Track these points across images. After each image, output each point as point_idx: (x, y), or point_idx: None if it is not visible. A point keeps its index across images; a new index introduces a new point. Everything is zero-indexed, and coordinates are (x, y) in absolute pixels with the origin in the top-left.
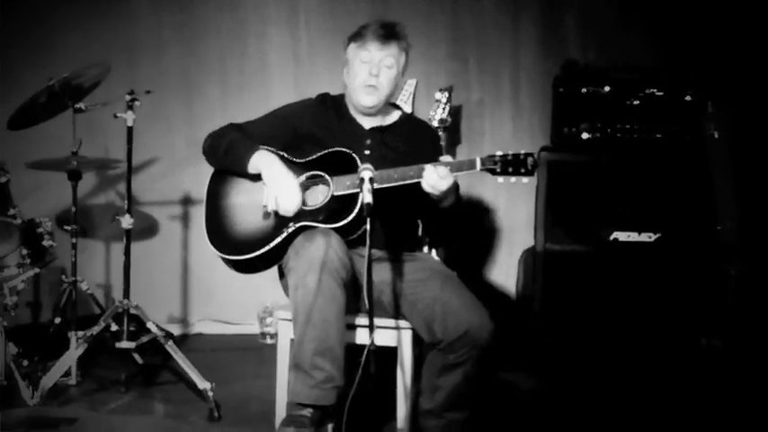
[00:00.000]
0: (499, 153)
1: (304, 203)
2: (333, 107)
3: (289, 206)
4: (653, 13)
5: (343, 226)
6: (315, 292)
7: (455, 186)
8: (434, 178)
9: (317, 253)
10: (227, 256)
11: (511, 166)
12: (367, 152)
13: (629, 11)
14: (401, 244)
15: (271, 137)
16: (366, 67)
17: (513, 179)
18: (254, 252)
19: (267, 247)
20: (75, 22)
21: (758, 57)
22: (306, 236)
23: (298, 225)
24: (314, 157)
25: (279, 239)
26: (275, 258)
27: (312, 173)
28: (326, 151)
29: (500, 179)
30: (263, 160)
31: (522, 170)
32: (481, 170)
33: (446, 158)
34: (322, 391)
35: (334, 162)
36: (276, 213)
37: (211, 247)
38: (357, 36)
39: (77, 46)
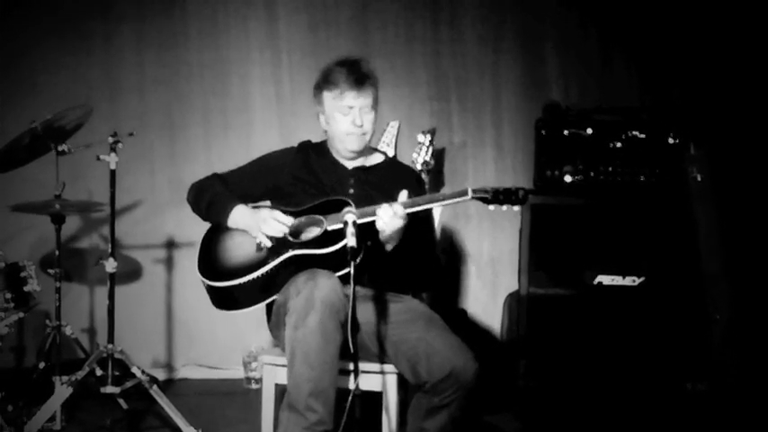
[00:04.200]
0: (490, 185)
1: (298, 238)
2: (315, 151)
3: (274, 229)
4: (634, 53)
5: (333, 253)
6: (315, 332)
7: (400, 230)
8: (388, 215)
9: (320, 293)
10: (213, 283)
11: (502, 195)
12: (351, 191)
13: (610, 52)
14: (388, 282)
15: (254, 185)
16: (348, 117)
17: (504, 207)
18: (242, 278)
19: (256, 273)
20: (58, 61)
21: (740, 98)
22: (308, 275)
23: (290, 254)
24: (307, 206)
25: (269, 266)
26: (261, 292)
27: (306, 216)
28: (318, 201)
29: (491, 207)
30: (241, 215)
31: (513, 198)
32: (473, 198)
33: (403, 194)
34: None
35: (328, 207)
36: (268, 249)
37: (198, 276)
38: (330, 84)
39: (59, 86)
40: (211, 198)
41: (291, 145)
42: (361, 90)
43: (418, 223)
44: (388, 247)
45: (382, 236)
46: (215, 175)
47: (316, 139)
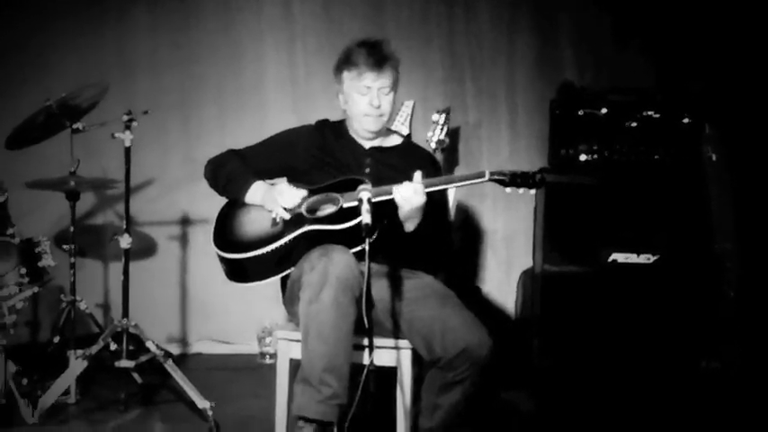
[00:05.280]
0: (508, 170)
1: (313, 214)
2: (332, 130)
3: (290, 199)
4: (648, 33)
5: (348, 230)
6: (329, 307)
7: (422, 207)
8: (409, 192)
9: (335, 269)
10: (228, 255)
11: (519, 178)
12: (367, 170)
13: (624, 32)
14: (402, 259)
15: (270, 162)
16: (366, 98)
17: (520, 190)
18: (257, 250)
19: (271, 247)
20: (72, 41)
21: (755, 78)
22: (322, 251)
23: (306, 229)
24: (324, 185)
25: (284, 240)
26: (275, 265)
27: (322, 194)
28: (335, 180)
29: (508, 189)
30: (258, 191)
31: (531, 182)
32: (489, 180)
33: (418, 175)
34: (328, 407)
35: (344, 186)
36: (284, 221)
37: (213, 247)
38: (349, 65)
39: (73, 65)
40: (229, 174)
41: (308, 123)
42: (381, 71)
43: (433, 204)
44: (408, 226)
45: (402, 212)
46: (231, 152)
47: (332, 119)
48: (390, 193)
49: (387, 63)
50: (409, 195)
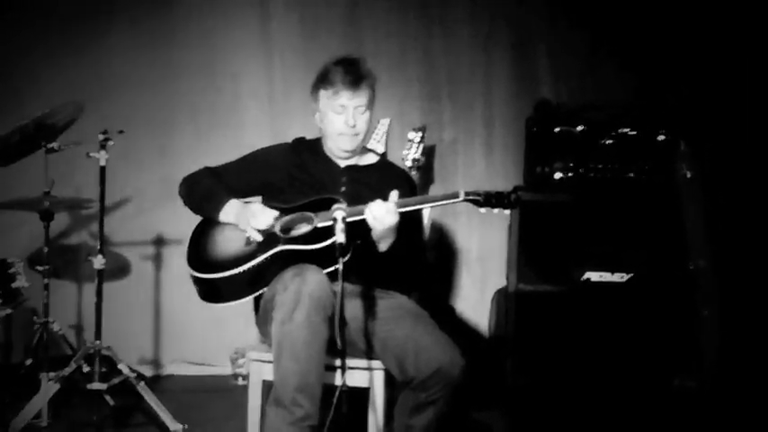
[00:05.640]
0: (483, 189)
1: (287, 234)
2: (308, 149)
3: (262, 221)
4: (625, 51)
5: (321, 250)
6: (302, 327)
7: (395, 227)
8: (381, 211)
9: (308, 288)
10: (201, 275)
11: (494, 198)
12: (342, 189)
13: (600, 50)
14: (376, 279)
15: (246, 181)
16: (341, 117)
17: (495, 210)
18: (230, 270)
19: (244, 267)
20: (48, 60)
21: (730, 96)
22: (295, 271)
23: (279, 249)
24: (298, 204)
25: (257, 260)
26: (249, 285)
27: (297, 214)
28: (310, 199)
29: (482, 209)
30: (232, 210)
31: (506, 202)
32: (464, 200)
33: (394, 194)
34: (300, 429)
35: (318, 205)
36: (257, 241)
37: (187, 267)
38: (326, 83)
39: (49, 85)
40: (203, 192)
41: (285, 140)
42: (357, 90)
43: (408, 224)
44: (382, 246)
45: (374, 233)
46: (207, 169)
47: (308, 137)
48: (363, 213)
49: (363, 82)
50: (381, 215)
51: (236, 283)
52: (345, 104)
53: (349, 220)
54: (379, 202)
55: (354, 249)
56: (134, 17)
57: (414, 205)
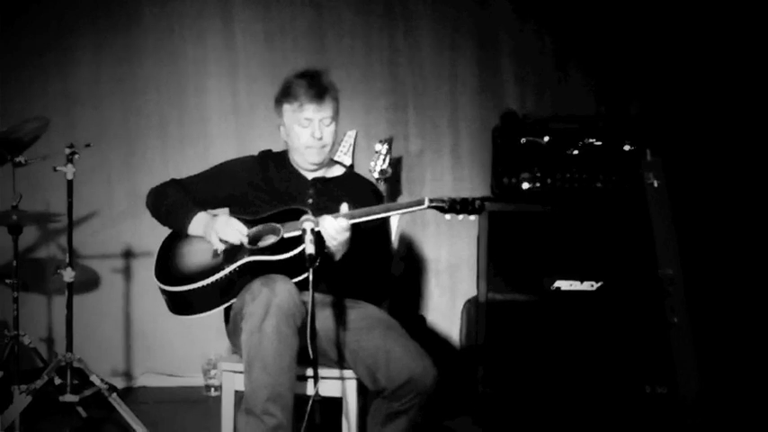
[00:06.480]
0: (447, 196)
1: (255, 244)
2: (274, 161)
3: (229, 233)
4: (590, 62)
5: (289, 260)
6: (271, 337)
7: (347, 241)
8: (335, 229)
9: (276, 299)
10: (169, 288)
11: (459, 204)
12: (310, 201)
13: (565, 61)
14: (345, 289)
15: (212, 193)
16: (307, 130)
17: (460, 217)
18: (197, 283)
19: (212, 279)
20: (14, 75)
21: (695, 105)
22: (264, 281)
23: (246, 260)
24: (266, 215)
25: (225, 272)
26: (218, 297)
27: (264, 224)
28: (278, 209)
29: (447, 216)
30: (200, 223)
31: (470, 208)
32: (429, 207)
33: (344, 207)
34: None
35: (285, 216)
36: (224, 252)
37: (155, 281)
38: (289, 97)
39: (15, 98)
40: (171, 205)
41: (251, 153)
42: (321, 103)
43: (373, 233)
44: (338, 256)
45: (329, 247)
46: (173, 181)
47: (275, 149)
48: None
49: (327, 94)
50: (334, 232)
51: (204, 295)
52: (311, 117)
53: (317, 229)
54: (329, 219)
55: (322, 259)
56: (99, 31)
57: (379, 213)
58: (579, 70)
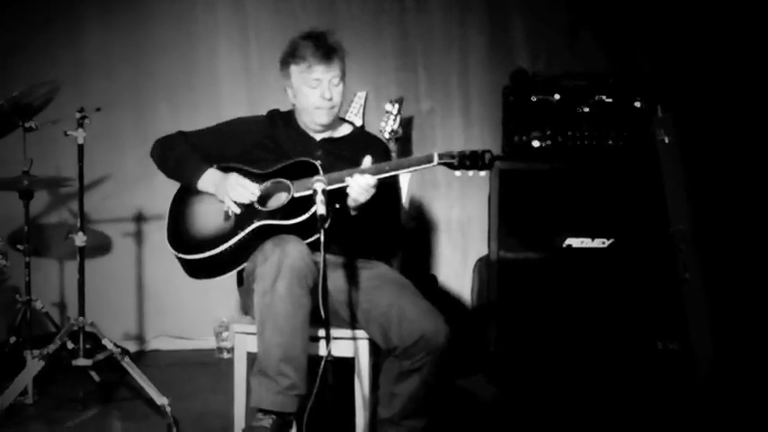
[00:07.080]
0: (456, 150)
1: (265, 206)
2: (282, 121)
3: (241, 193)
4: (600, 20)
5: (301, 223)
6: (284, 298)
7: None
8: (363, 186)
9: (288, 260)
10: (183, 256)
11: (468, 160)
12: (318, 162)
13: (576, 18)
14: (356, 249)
15: (219, 149)
16: (317, 91)
17: (470, 173)
18: (212, 250)
19: (225, 245)
20: (24, 41)
21: (706, 60)
22: (275, 242)
23: (257, 224)
24: (275, 168)
25: (238, 238)
26: (232, 261)
27: (273, 180)
28: (287, 163)
29: (457, 173)
30: (211, 179)
31: (480, 163)
32: (438, 164)
33: (367, 160)
34: (286, 398)
35: (295, 170)
36: (236, 215)
37: (169, 248)
38: (297, 58)
39: (25, 63)
40: (179, 156)
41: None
42: (330, 63)
43: (383, 190)
44: (353, 212)
45: (351, 203)
46: (180, 133)
47: (285, 109)
48: (343, 181)
49: (335, 54)
50: (363, 190)
51: (219, 261)
52: (320, 78)
53: (330, 188)
54: (357, 176)
55: (333, 217)
56: None
57: (389, 170)
58: (590, 28)
